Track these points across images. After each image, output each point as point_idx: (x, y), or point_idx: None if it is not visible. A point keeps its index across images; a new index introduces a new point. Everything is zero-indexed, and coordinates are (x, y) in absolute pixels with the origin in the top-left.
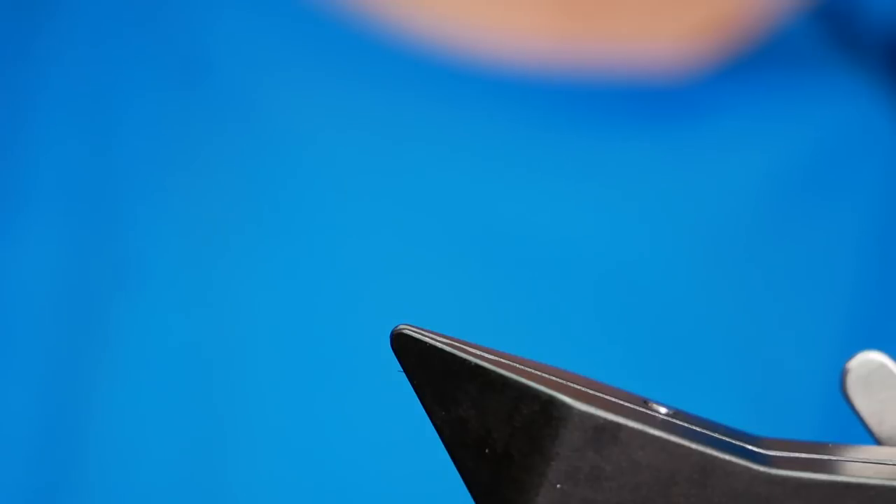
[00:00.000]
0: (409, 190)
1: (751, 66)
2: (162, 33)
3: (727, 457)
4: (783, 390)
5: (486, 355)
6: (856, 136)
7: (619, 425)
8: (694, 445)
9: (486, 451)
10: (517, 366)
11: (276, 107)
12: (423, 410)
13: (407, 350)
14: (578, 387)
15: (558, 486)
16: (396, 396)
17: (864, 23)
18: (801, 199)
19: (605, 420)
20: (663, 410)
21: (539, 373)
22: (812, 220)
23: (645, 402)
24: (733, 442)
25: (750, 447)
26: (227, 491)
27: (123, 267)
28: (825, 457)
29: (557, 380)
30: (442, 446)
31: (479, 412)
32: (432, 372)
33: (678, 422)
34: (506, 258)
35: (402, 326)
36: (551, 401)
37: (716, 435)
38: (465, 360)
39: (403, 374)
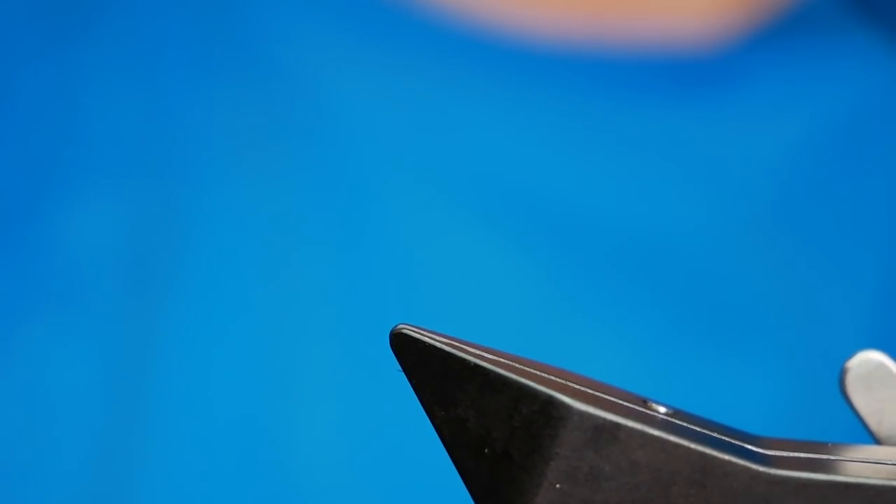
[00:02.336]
0: (443, 167)
1: (778, 34)
2: (217, 27)
3: (727, 457)
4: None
5: (486, 355)
6: (882, 99)
7: (618, 425)
8: (693, 445)
9: (486, 451)
10: (516, 365)
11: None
12: (423, 410)
13: (406, 349)
14: (578, 386)
15: (558, 486)
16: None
17: None
18: (832, 164)
19: (605, 420)
20: (663, 410)
21: (538, 372)
22: (843, 185)
23: (644, 402)
24: (733, 442)
25: (749, 447)
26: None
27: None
28: (825, 456)
29: (557, 379)
30: (441, 446)
31: (479, 412)
32: (431, 371)
33: (678, 421)
34: (539, 233)
35: (401, 326)
36: (551, 401)
37: (715, 435)
38: (464, 360)
39: (403, 374)
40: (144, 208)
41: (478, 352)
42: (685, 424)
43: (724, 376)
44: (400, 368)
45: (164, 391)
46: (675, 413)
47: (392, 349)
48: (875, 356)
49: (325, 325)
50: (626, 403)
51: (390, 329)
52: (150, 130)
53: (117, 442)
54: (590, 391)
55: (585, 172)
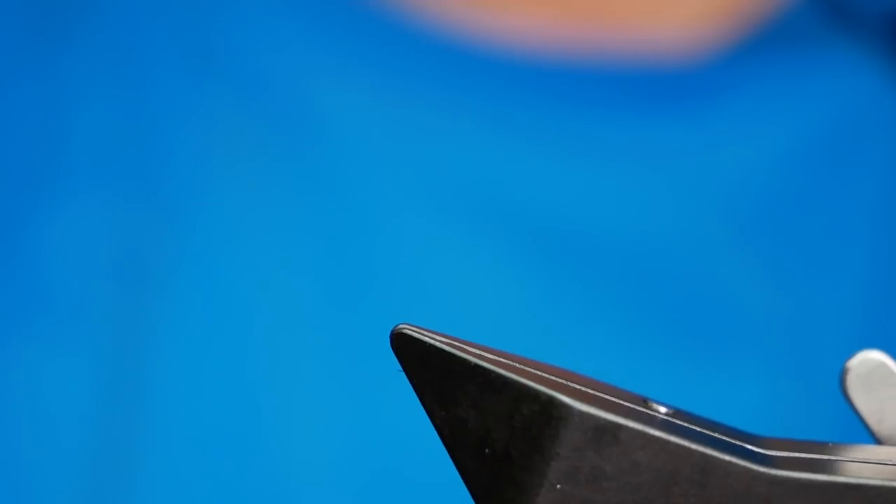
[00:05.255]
0: (429, 177)
1: (759, 47)
2: (204, 36)
3: (727, 457)
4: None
5: (486, 355)
6: (863, 111)
7: (619, 425)
8: (694, 446)
9: (486, 451)
10: (517, 365)
11: (301, 94)
12: (423, 410)
13: (407, 349)
14: (578, 386)
15: (558, 486)
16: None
17: (866, 1)
18: (811, 176)
19: (605, 420)
20: (663, 410)
21: (539, 372)
22: (823, 197)
23: (645, 402)
24: (733, 442)
25: (750, 447)
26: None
27: (161, 255)
28: (825, 457)
29: (557, 380)
30: (442, 446)
31: (479, 412)
32: (432, 372)
33: (678, 421)
34: (522, 242)
35: (401, 326)
36: (551, 401)
37: (716, 435)
38: (464, 360)
39: (403, 374)
40: (135, 217)
41: (478, 352)
42: (686, 424)
43: (708, 383)
44: (400, 368)
45: (157, 400)
46: (676, 413)
47: (392, 349)
48: (875, 356)
49: (317, 335)
50: (626, 404)
51: (391, 329)
52: (140, 140)
53: (110, 450)
54: (590, 391)
55: (569, 182)
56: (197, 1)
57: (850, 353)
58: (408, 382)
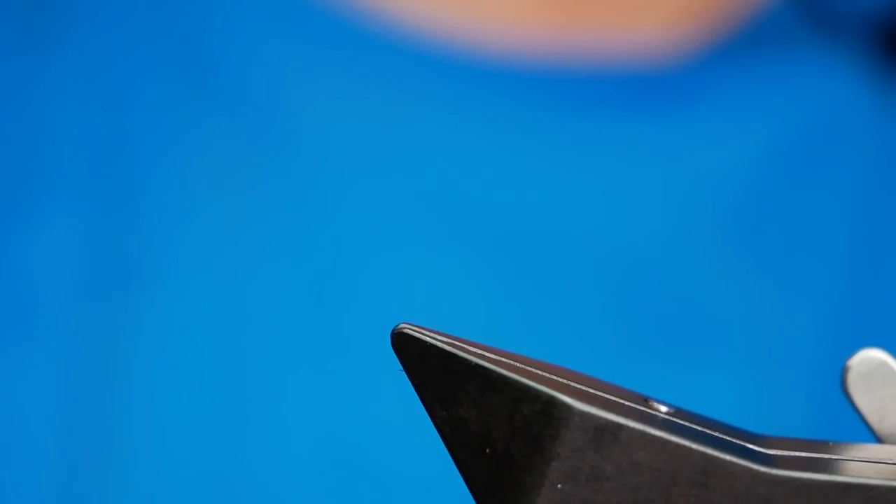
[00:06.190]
0: (408, 182)
1: (734, 49)
2: (170, 33)
3: (728, 457)
4: (777, 372)
5: (487, 354)
6: (839, 113)
7: (619, 425)
8: (695, 445)
9: (487, 450)
10: (518, 365)
11: (281, 100)
12: (424, 410)
13: (407, 349)
14: (579, 386)
15: (559, 486)
16: (397, 396)
17: (843, 2)
18: (789, 178)
19: (606, 420)
20: (664, 409)
21: (540, 372)
22: (801, 198)
23: (645, 401)
24: (734, 441)
25: (751, 446)
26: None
27: (137, 265)
28: (826, 456)
29: (558, 379)
30: (443, 446)
31: (480, 412)
32: (433, 371)
33: (679, 421)
34: (500, 245)
35: (402, 325)
36: (552, 401)
37: (717, 434)
38: (465, 360)
39: (404, 374)
40: (111, 224)
41: (479, 351)
42: (686, 424)
43: (686, 382)
44: (401, 368)
45: (130, 407)
46: (677, 412)
47: (393, 349)
48: (876, 354)
49: (290, 339)
50: (627, 403)
51: (392, 329)
52: (116, 149)
53: (82, 456)
54: (591, 391)
55: (548, 184)
56: (175, 11)
57: (828, 352)
58: (409, 382)
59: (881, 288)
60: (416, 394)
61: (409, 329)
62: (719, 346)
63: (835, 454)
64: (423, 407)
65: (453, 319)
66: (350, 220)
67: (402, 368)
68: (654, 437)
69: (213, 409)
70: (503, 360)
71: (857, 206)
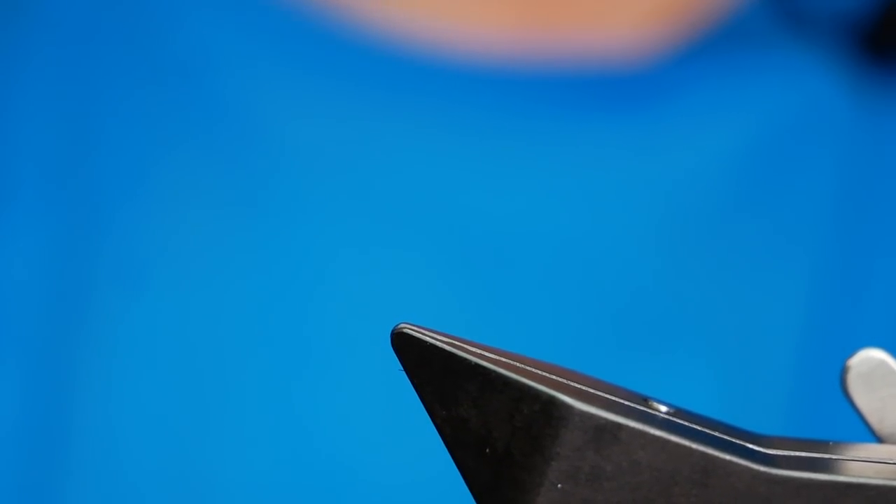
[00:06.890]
0: (382, 186)
1: (707, 48)
2: (140, 39)
3: (728, 456)
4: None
5: (487, 354)
6: (812, 113)
7: (619, 425)
8: (695, 445)
9: (487, 450)
10: (518, 365)
11: (248, 104)
12: (424, 410)
13: (407, 349)
14: (579, 386)
15: (559, 485)
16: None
17: (817, 1)
18: (762, 178)
19: (606, 420)
20: (664, 409)
21: (540, 372)
22: (775, 196)
23: (645, 401)
24: (734, 441)
25: (751, 446)
26: (219, 491)
27: (108, 268)
28: (826, 456)
29: (558, 379)
30: (442, 445)
31: (480, 412)
32: (433, 371)
33: (679, 421)
34: (474, 246)
35: (402, 325)
36: (552, 400)
37: (716, 434)
38: (465, 360)
39: (404, 373)
40: (74, 237)
41: (479, 351)
42: (686, 424)
43: (665, 383)
44: (401, 368)
45: (87, 417)
46: (677, 412)
47: (393, 349)
48: (876, 354)
49: (255, 342)
50: (627, 403)
51: (392, 329)
52: (76, 153)
53: (39, 464)
54: (591, 391)
55: (521, 185)
56: (144, 18)
57: (806, 349)
58: (408, 381)
59: (857, 284)
60: (415, 393)
61: (409, 329)
62: (698, 343)
63: (835, 454)
64: (422, 406)
65: (433, 322)
66: (323, 225)
67: (401, 368)
68: (654, 436)
69: (183, 417)
70: (503, 359)
71: (831, 205)
